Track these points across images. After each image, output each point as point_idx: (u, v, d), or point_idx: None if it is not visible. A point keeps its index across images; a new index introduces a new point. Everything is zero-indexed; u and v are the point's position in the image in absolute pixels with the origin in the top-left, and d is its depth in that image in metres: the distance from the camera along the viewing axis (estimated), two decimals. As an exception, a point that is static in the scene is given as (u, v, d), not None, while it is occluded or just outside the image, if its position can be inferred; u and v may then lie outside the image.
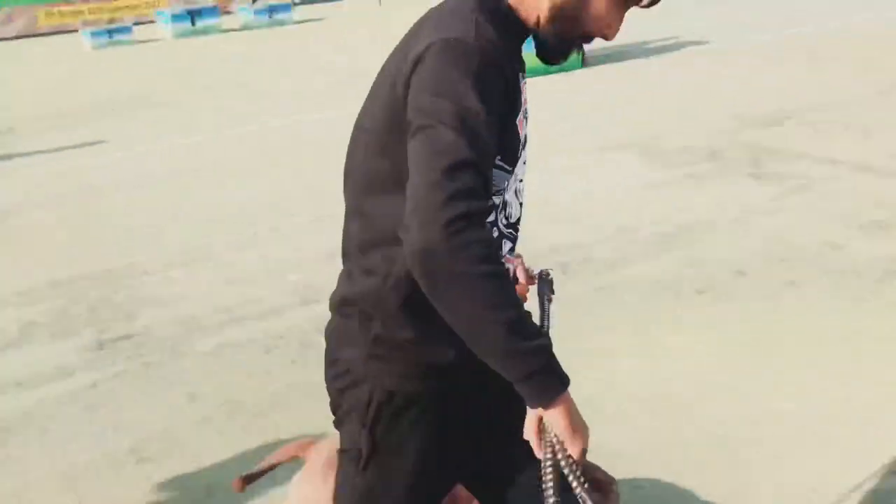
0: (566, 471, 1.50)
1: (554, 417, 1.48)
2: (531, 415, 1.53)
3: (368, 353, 1.67)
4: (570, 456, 1.49)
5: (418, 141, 1.45)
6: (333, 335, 1.77)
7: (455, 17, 1.57)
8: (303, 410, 3.62)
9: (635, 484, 2.99)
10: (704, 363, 3.86)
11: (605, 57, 11.85)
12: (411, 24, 1.67)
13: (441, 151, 1.42)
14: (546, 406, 1.48)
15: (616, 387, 3.70)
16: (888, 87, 9.06)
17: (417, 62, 1.52)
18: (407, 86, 1.53)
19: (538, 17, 1.61)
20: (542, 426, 1.52)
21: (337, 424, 1.78)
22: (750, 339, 4.04)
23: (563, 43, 1.64)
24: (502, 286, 1.42)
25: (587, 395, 3.61)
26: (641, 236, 5.43)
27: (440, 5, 1.66)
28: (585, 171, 6.94)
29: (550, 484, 1.51)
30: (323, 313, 1.84)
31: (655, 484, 3.02)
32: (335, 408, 1.77)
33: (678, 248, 5.19)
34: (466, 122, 1.43)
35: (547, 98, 9.89)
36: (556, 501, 1.50)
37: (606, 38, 1.64)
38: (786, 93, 9.15)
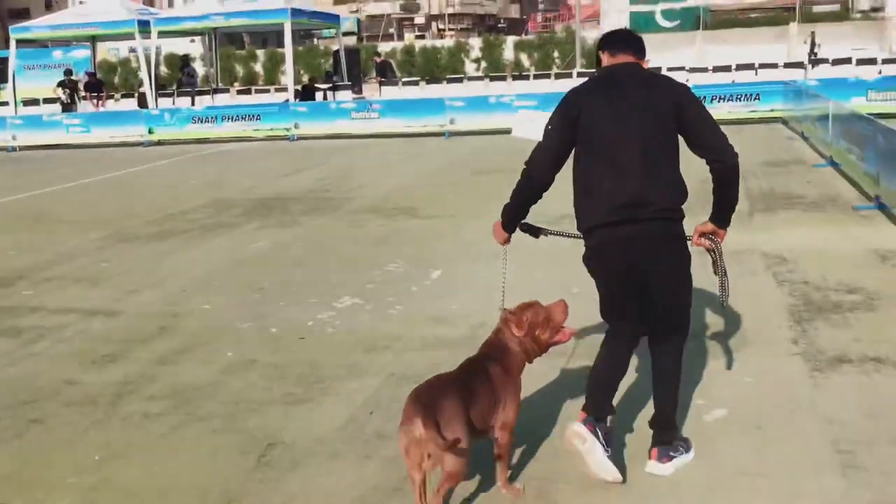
0: (718, 256, 4.02)
1: (723, 234, 3.98)
2: (706, 231, 3.95)
3: (679, 224, 3.85)
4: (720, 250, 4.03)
5: (708, 122, 3.75)
6: (662, 226, 3.78)
7: (661, 77, 4.04)
8: None
9: None
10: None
11: None
12: None
13: (718, 126, 3.79)
14: (726, 228, 3.95)
15: None
16: (104, 237, 10.03)
17: (681, 90, 3.83)
18: (681, 101, 3.76)
19: None
20: (711, 236, 3.97)
21: (673, 262, 3.87)
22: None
23: None
24: None
25: None
26: None
27: (633, 70, 3.89)
28: None
29: (715, 258, 4.04)
30: None
31: None
32: (672, 255, 3.87)
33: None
34: None
35: None
36: (722, 268, 4.06)
37: None
38: (15, 254, 9.48)
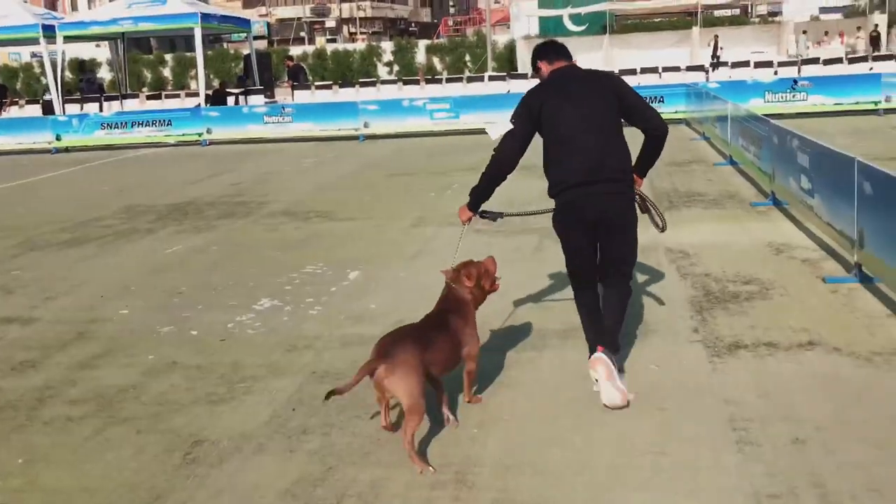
0: (644, 199, 5.14)
1: (641, 181, 5.02)
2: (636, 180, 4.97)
3: (631, 187, 4.84)
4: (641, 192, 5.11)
5: (644, 104, 4.85)
6: (618, 186, 4.71)
7: (599, 72, 5.09)
8: None
9: None
10: None
11: None
12: None
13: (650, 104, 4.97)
14: (644, 177, 5.03)
15: None
16: (16, 245, 9.89)
17: (618, 82, 4.95)
18: (618, 89, 4.81)
19: None
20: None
21: (627, 216, 4.80)
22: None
23: None
24: None
25: None
26: None
27: (576, 71, 4.94)
28: None
29: (640, 202, 5.08)
30: None
31: None
32: (627, 210, 4.81)
33: None
34: None
35: None
36: (651, 207, 5.24)
37: None
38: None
